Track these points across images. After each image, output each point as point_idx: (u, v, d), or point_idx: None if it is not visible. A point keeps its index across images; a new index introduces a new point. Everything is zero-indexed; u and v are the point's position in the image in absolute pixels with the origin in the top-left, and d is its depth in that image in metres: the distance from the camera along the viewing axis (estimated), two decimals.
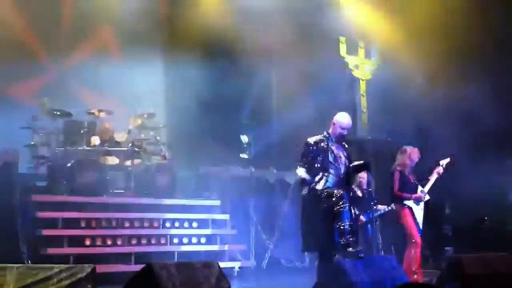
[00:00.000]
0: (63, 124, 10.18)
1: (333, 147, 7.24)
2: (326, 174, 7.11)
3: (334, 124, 7.33)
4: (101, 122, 10.40)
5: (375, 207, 10.44)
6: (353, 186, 8.25)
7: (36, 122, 9.99)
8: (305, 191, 7.12)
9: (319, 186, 7.05)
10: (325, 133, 7.34)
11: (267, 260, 11.08)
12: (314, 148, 7.19)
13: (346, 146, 7.41)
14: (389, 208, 9.99)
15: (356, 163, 7.47)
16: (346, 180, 7.28)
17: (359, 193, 9.87)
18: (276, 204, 11.79)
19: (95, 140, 10.19)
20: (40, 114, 10.03)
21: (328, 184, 7.07)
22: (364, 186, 9.90)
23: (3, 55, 10.32)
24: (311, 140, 7.26)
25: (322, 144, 7.21)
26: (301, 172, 7.12)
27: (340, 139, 7.32)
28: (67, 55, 11.52)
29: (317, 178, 7.09)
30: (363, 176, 9.83)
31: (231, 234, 10.51)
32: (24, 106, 10.46)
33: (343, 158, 7.27)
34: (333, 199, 6.93)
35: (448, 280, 6.61)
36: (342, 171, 7.23)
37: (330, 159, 7.18)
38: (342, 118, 7.36)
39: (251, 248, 10.89)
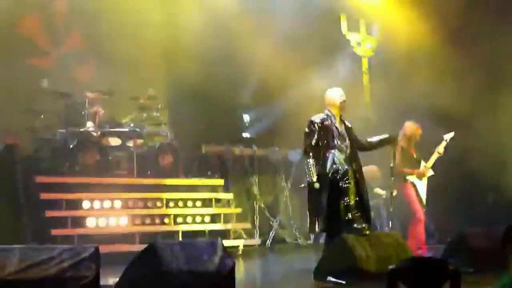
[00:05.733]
0: (64, 105, 10.12)
1: (337, 125, 7.19)
2: (333, 151, 7.05)
3: (328, 100, 7.29)
4: (101, 103, 10.33)
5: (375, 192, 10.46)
6: None
7: (37, 104, 9.94)
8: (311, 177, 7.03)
9: (328, 164, 7.00)
10: (326, 111, 7.26)
11: (272, 238, 11.10)
12: (320, 126, 7.10)
13: (350, 126, 7.34)
14: (388, 193, 9.93)
15: (381, 137, 7.42)
16: (353, 156, 7.23)
17: None
18: (279, 183, 11.77)
19: (96, 121, 10.14)
20: (40, 96, 9.98)
21: (336, 161, 7.01)
22: None
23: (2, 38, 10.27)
24: (316, 119, 7.16)
25: (326, 122, 7.14)
26: (311, 162, 7.02)
27: (341, 111, 7.26)
28: (67, 37, 11.47)
29: (324, 157, 7.03)
30: None
31: (235, 213, 10.50)
32: (25, 88, 10.39)
33: (346, 136, 7.20)
34: (338, 175, 6.90)
35: (453, 254, 6.58)
36: (348, 149, 7.16)
37: (336, 136, 7.11)
38: (333, 92, 7.32)
39: (255, 227, 10.91)
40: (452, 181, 10.12)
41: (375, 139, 7.50)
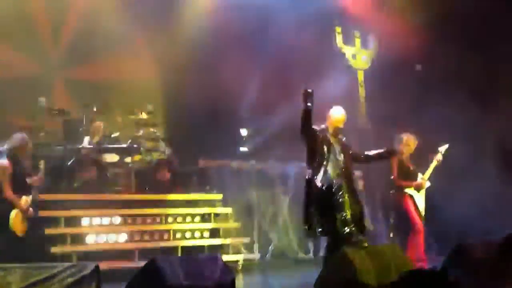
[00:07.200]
0: (61, 122, 10.13)
1: (332, 141, 7.26)
2: (325, 164, 7.09)
3: (329, 118, 7.38)
4: (98, 119, 10.36)
5: None
6: None
7: (34, 121, 9.95)
8: (308, 177, 7.11)
9: (319, 177, 7.04)
10: (323, 126, 7.36)
11: (271, 252, 11.08)
12: (318, 135, 7.18)
13: (343, 139, 7.40)
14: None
15: (380, 150, 7.49)
16: (347, 172, 7.26)
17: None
18: (278, 196, 11.76)
19: (94, 138, 10.15)
20: (37, 113, 10.00)
21: (327, 175, 7.04)
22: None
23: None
24: (316, 127, 7.26)
25: (321, 135, 7.22)
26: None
27: (336, 132, 7.32)
28: (62, 51, 11.52)
29: (316, 169, 7.07)
30: None
31: (234, 227, 10.49)
32: (23, 105, 10.41)
33: (338, 151, 7.24)
34: (332, 190, 6.92)
35: (453, 266, 6.57)
36: (341, 164, 7.20)
37: (330, 151, 7.16)
38: (336, 113, 7.40)
39: (254, 241, 10.89)
40: (450, 191, 10.12)
41: (373, 152, 7.56)
